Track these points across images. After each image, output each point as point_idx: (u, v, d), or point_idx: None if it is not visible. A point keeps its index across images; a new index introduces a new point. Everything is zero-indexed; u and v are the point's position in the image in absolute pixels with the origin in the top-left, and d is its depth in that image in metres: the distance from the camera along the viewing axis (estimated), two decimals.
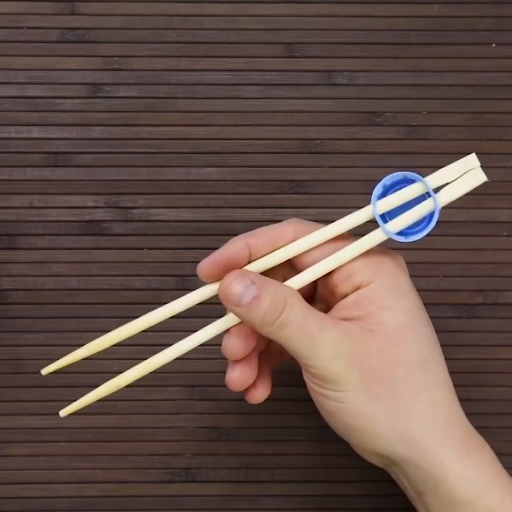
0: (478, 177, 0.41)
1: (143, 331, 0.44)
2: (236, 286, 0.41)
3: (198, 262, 0.56)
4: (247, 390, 0.45)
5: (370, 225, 0.42)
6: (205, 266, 0.42)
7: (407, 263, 0.44)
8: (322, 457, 0.56)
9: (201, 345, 0.44)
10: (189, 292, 0.55)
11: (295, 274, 0.43)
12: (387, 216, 0.41)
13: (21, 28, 0.57)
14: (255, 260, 0.42)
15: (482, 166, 0.42)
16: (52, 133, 0.57)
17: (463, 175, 0.41)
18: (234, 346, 0.43)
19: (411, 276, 0.43)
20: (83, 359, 0.44)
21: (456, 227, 0.57)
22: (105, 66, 0.57)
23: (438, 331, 0.56)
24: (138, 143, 0.57)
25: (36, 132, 0.57)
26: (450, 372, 0.57)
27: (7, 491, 0.56)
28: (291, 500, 0.56)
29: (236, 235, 0.44)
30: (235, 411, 0.57)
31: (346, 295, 0.42)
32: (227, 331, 0.44)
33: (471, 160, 0.41)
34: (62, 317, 0.56)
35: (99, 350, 0.44)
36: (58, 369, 0.44)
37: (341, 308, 0.42)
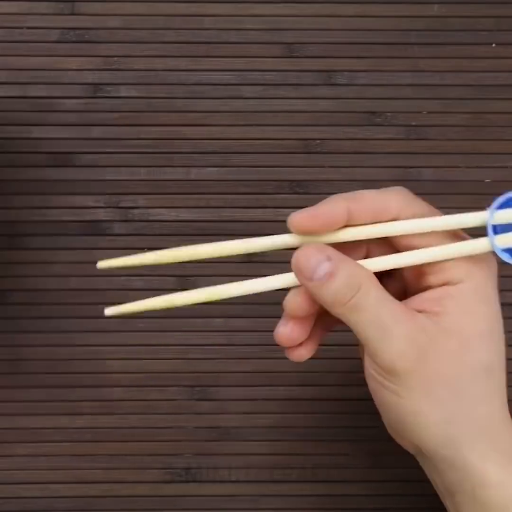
0: None
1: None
2: (310, 259, 0.39)
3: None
4: (291, 347, 0.44)
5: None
6: (299, 217, 0.39)
7: None
8: (322, 457, 0.56)
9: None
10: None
11: (380, 245, 0.41)
12: (500, 229, 0.39)
13: (21, 28, 0.57)
14: (351, 225, 0.40)
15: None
16: (52, 133, 0.57)
17: None
18: (297, 303, 0.41)
19: None
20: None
21: None
22: (105, 66, 0.57)
23: None
24: (138, 143, 0.57)
25: (36, 132, 0.57)
26: None
27: (7, 491, 0.56)
28: (291, 500, 0.56)
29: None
30: (235, 411, 0.56)
31: (430, 286, 0.40)
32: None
33: None
34: (63, 317, 0.56)
35: (167, 261, 0.41)
36: (115, 267, 0.42)
37: (423, 299, 0.40)
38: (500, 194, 0.57)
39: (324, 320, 0.44)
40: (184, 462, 0.56)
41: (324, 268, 0.39)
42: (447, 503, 0.43)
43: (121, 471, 0.56)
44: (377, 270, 0.40)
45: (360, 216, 0.40)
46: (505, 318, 0.57)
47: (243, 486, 0.56)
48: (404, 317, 0.39)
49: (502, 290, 0.57)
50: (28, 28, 0.57)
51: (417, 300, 0.41)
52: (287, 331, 0.42)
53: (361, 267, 0.40)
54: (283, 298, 0.43)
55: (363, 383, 0.42)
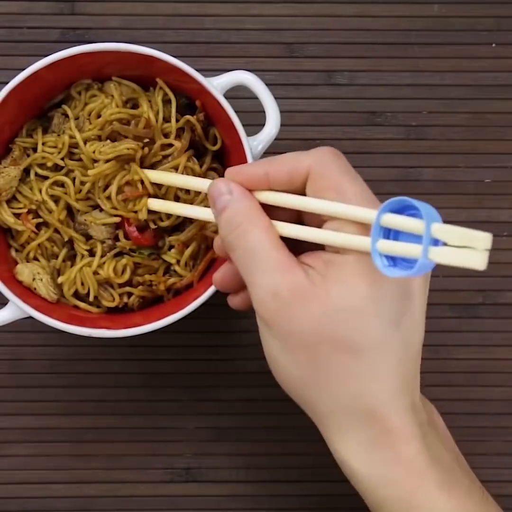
0: (477, 261, 0.34)
1: None
2: (216, 189, 0.41)
3: None
4: (230, 293, 0.45)
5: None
6: (229, 169, 0.42)
7: None
8: (322, 457, 0.55)
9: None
10: None
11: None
12: (393, 234, 0.37)
13: (21, 28, 0.57)
14: (275, 190, 0.41)
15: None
16: None
17: (465, 248, 0.34)
18: (220, 245, 0.43)
19: None
20: None
21: None
22: None
23: (438, 331, 0.56)
24: None
25: None
26: (450, 372, 0.57)
27: (7, 491, 0.56)
28: (291, 500, 0.56)
29: None
30: (235, 411, 0.57)
31: (325, 248, 0.40)
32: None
33: (483, 239, 0.34)
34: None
35: None
36: None
37: (316, 258, 0.39)
38: (499, 194, 0.57)
39: None
40: (184, 462, 0.56)
41: (222, 200, 0.41)
42: None
43: (121, 471, 0.56)
44: (282, 235, 0.40)
45: (277, 177, 0.40)
46: (505, 318, 0.57)
47: (243, 486, 0.56)
48: (276, 267, 0.39)
49: (501, 290, 0.57)
50: (28, 28, 0.57)
51: (312, 257, 0.40)
52: (219, 275, 0.44)
53: (255, 210, 0.40)
54: None
55: None
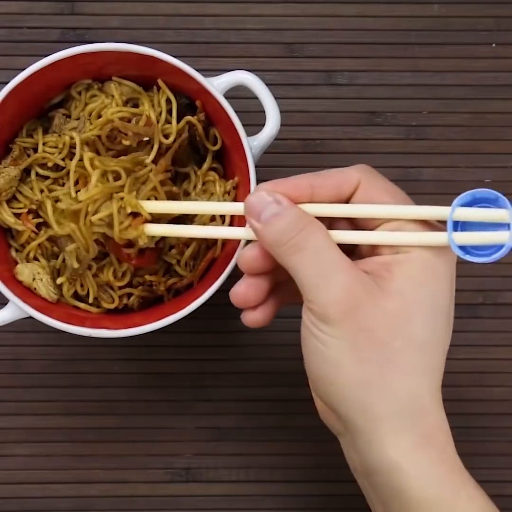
0: None
1: None
2: (260, 200, 0.40)
3: None
4: (245, 309, 0.44)
5: None
6: (266, 188, 0.41)
7: None
8: (323, 457, 0.56)
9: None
10: None
11: (340, 218, 0.42)
12: (460, 226, 0.40)
13: (21, 28, 0.57)
14: (316, 202, 0.41)
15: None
16: None
17: None
18: (251, 258, 0.42)
19: None
20: None
21: None
22: None
23: None
24: None
25: None
26: (450, 372, 0.57)
27: (7, 491, 0.56)
28: (291, 500, 0.56)
29: None
30: (235, 411, 0.57)
31: (381, 252, 0.41)
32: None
33: None
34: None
35: None
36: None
37: (372, 262, 0.40)
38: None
39: (281, 289, 0.44)
40: (184, 462, 0.56)
41: (271, 209, 0.40)
42: (365, 482, 0.42)
43: (121, 471, 0.56)
44: (337, 242, 0.41)
45: (324, 191, 0.41)
46: (505, 318, 0.57)
47: (243, 486, 0.56)
48: (346, 267, 0.39)
49: (501, 290, 0.57)
50: (28, 28, 0.57)
51: (366, 263, 0.40)
52: (241, 290, 0.43)
53: (309, 215, 0.41)
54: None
55: None
